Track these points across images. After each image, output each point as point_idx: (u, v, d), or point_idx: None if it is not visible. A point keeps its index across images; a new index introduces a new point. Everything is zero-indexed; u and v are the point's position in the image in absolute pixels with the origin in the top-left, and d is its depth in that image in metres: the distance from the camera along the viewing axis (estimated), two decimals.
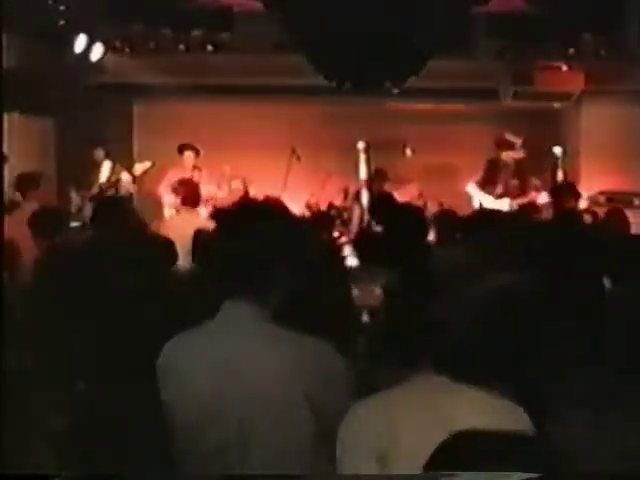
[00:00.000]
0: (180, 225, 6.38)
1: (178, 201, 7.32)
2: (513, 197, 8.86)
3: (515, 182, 8.99)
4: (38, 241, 5.52)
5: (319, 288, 3.39)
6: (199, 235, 4.61)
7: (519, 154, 8.99)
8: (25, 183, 6.76)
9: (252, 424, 2.29)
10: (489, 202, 8.71)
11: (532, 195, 8.86)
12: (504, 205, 8.63)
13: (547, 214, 7.74)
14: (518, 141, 9.00)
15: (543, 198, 8.64)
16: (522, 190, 8.96)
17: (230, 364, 2.31)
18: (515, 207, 8.59)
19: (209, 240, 2.54)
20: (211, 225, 2.63)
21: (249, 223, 2.38)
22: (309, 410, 2.29)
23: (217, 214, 2.52)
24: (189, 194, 7.13)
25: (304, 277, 2.52)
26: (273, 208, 2.54)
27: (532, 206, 8.39)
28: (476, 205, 8.83)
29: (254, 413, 2.29)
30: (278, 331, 2.37)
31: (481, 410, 2.19)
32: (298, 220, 3.06)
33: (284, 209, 2.64)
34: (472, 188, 9.02)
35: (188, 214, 7.07)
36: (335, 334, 2.55)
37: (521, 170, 9.05)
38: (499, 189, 8.94)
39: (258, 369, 2.29)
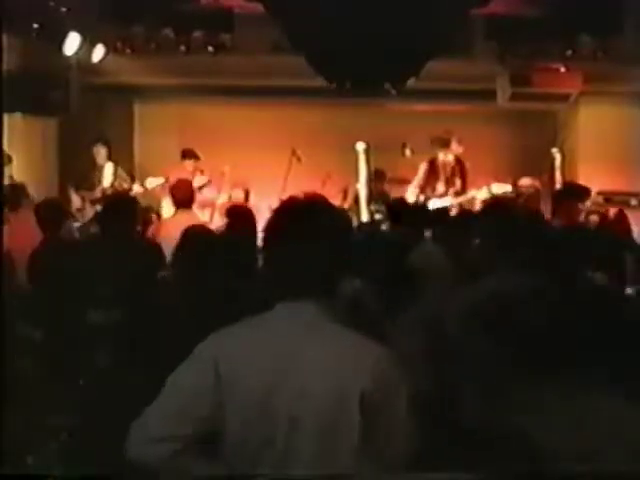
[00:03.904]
0: (177, 227, 6.34)
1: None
2: (455, 195, 8.86)
3: (458, 180, 8.98)
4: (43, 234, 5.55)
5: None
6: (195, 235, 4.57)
7: (457, 151, 8.97)
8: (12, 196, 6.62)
9: (301, 424, 2.24)
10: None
11: (471, 192, 8.84)
12: (445, 204, 8.59)
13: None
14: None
15: (483, 194, 8.64)
16: (463, 188, 8.97)
17: (287, 362, 2.26)
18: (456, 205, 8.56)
19: (268, 239, 2.48)
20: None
21: (315, 221, 2.33)
22: (359, 415, 2.23)
23: (278, 212, 2.46)
24: (182, 196, 7.02)
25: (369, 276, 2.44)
26: (333, 207, 2.50)
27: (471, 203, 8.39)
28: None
29: (305, 412, 2.24)
30: (341, 332, 2.32)
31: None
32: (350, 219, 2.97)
33: (340, 209, 2.58)
34: (411, 192, 9.00)
35: (185, 215, 7.01)
36: None
37: (463, 167, 9.07)
38: (440, 188, 8.94)
39: (314, 369, 2.25)
